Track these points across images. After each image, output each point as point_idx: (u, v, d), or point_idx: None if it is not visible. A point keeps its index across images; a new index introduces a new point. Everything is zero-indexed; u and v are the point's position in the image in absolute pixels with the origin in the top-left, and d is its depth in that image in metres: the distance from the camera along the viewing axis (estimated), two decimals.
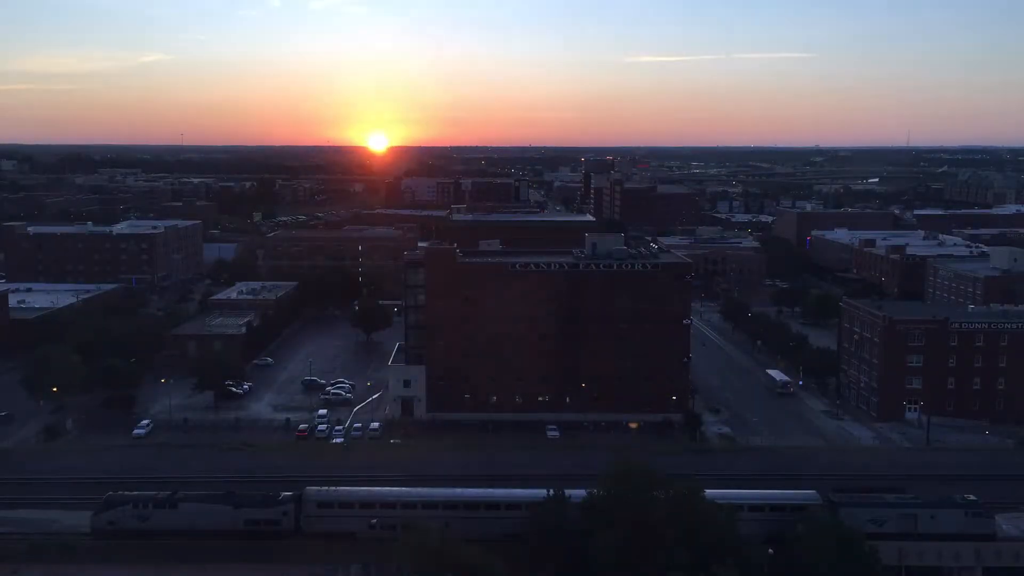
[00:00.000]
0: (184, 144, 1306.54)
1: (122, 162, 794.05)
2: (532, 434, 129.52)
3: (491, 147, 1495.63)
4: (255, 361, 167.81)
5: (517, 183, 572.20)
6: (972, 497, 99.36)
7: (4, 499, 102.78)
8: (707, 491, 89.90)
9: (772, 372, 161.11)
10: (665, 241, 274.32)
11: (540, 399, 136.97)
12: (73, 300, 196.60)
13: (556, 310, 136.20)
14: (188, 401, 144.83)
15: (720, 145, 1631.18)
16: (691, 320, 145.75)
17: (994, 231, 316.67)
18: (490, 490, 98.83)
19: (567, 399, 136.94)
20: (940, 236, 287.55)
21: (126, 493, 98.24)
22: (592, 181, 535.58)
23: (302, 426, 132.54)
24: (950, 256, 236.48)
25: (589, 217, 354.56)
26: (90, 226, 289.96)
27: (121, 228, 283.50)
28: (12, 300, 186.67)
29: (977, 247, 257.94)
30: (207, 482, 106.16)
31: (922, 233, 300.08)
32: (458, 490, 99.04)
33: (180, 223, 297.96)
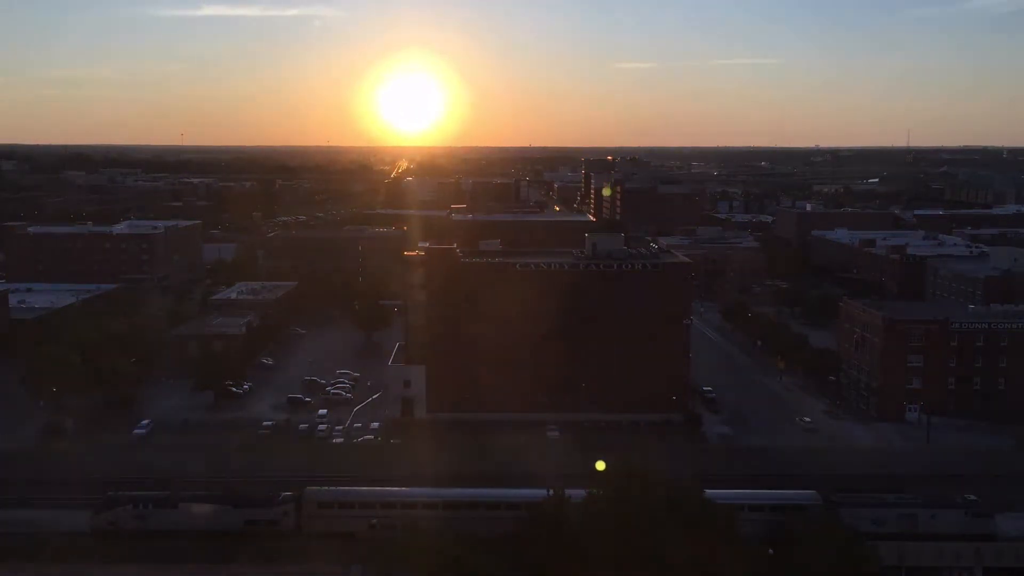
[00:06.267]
0: (184, 144, 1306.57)
1: (122, 162, 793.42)
2: (532, 434, 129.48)
3: (491, 147, 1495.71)
4: (257, 360, 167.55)
5: (518, 182, 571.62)
6: (972, 497, 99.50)
7: (4, 499, 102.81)
8: (707, 491, 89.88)
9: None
10: (665, 241, 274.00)
11: (540, 399, 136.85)
12: (73, 300, 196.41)
13: (556, 310, 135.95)
14: (188, 401, 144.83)
15: (720, 145, 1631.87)
16: (691, 320, 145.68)
17: (994, 231, 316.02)
18: (490, 490, 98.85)
19: (567, 399, 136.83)
20: (940, 236, 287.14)
21: (126, 493, 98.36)
22: (592, 181, 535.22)
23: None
24: (950, 256, 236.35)
25: (589, 217, 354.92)
26: (90, 226, 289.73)
27: (121, 228, 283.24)
28: (12, 300, 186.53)
29: (977, 247, 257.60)
30: (207, 482, 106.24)
31: (922, 233, 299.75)
32: (458, 490, 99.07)
33: (180, 223, 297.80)
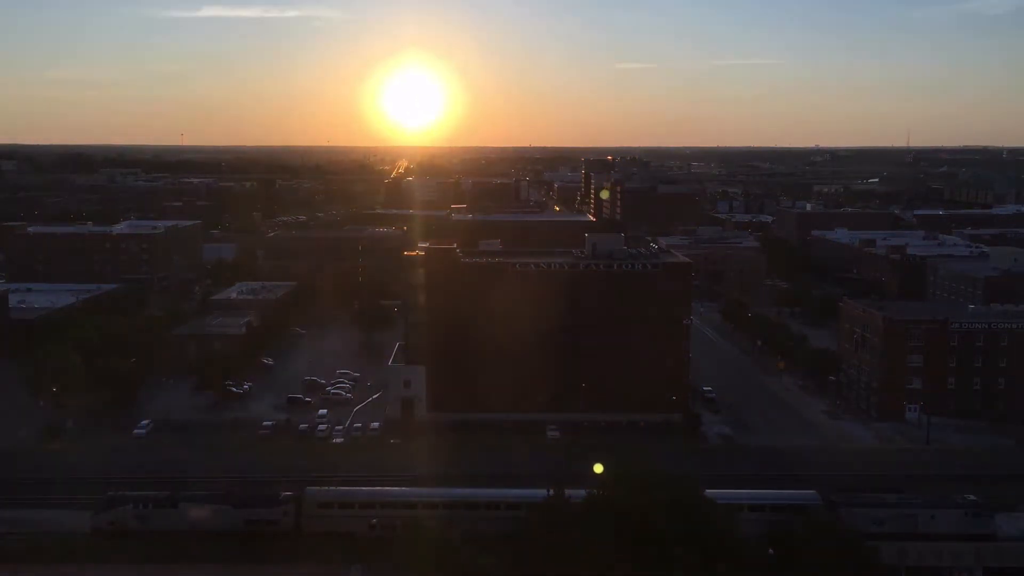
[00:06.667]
0: (184, 144, 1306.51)
1: (122, 162, 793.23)
2: (532, 434, 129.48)
3: (491, 147, 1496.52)
4: (257, 360, 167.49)
5: (518, 182, 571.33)
6: (972, 497, 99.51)
7: (4, 499, 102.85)
8: (707, 491, 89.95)
9: None
10: (665, 241, 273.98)
11: (540, 399, 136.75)
12: (73, 300, 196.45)
13: (556, 310, 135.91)
14: (188, 401, 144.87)
15: (720, 145, 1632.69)
16: (691, 320, 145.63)
17: (994, 231, 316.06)
18: (490, 490, 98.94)
19: (567, 399, 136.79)
20: (940, 236, 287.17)
21: (126, 493, 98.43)
22: (592, 181, 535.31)
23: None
24: (950, 256, 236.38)
25: (589, 217, 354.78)
26: (90, 226, 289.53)
27: (121, 228, 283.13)
28: (12, 300, 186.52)
29: (977, 247, 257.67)
30: (207, 482, 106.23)
31: (922, 233, 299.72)
32: (458, 490, 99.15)
33: (180, 223, 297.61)
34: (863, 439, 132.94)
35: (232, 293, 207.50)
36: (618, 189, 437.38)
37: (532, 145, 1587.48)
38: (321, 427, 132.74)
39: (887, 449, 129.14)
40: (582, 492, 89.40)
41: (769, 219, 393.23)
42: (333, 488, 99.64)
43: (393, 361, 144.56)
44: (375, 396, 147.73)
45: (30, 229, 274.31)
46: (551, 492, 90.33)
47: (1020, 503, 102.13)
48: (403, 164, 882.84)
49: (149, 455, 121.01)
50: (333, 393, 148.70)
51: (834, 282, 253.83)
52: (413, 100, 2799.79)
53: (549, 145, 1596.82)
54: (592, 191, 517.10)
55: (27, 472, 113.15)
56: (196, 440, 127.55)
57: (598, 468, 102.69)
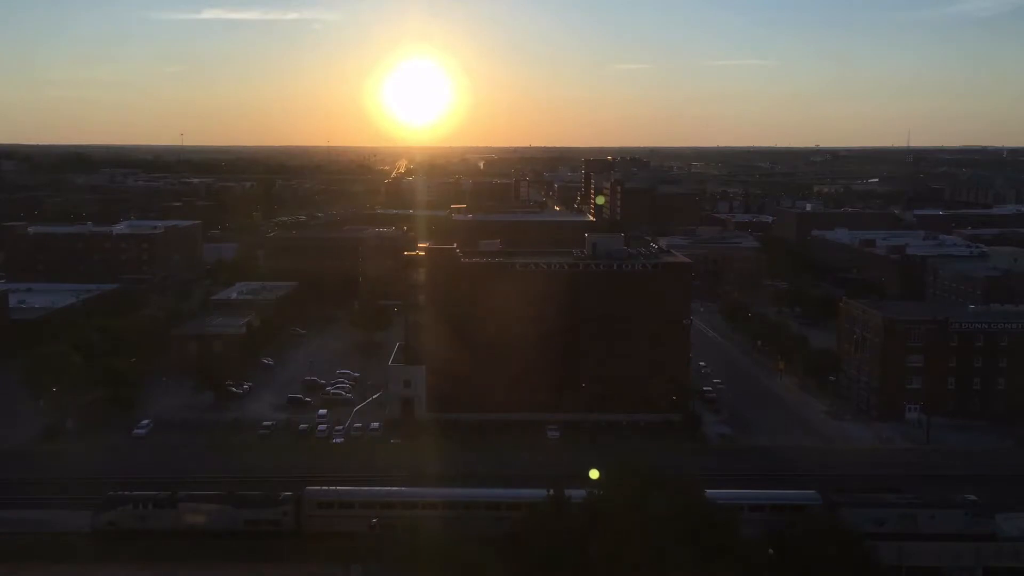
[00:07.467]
0: (184, 145, 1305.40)
1: (122, 162, 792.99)
2: (532, 434, 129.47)
3: (491, 147, 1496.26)
4: (257, 360, 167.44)
5: (518, 182, 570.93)
6: (972, 497, 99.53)
7: (4, 499, 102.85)
8: (707, 491, 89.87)
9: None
10: (665, 241, 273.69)
11: (540, 399, 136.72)
12: (73, 300, 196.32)
13: (556, 310, 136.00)
14: (188, 401, 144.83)
15: (720, 145, 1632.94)
16: (691, 320, 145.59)
17: (994, 231, 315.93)
18: (490, 490, 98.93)
19: (567, 399, 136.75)
20: (940, 236, 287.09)
21: (126, 493, 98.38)
22: (592, 181, 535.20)
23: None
24: (950, 256, 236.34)
25: (589, 217, 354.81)
26: (90, 226, 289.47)
27: (121, 228, 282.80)
28: (12, 300, 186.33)
29: (977, 247, 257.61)
30: (207, 482, 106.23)
31: (922, 233, 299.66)
32: (458, 490, 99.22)
33: (180, 223, 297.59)
34: (863, 439, 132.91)
35: (232, 293, 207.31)
36: (618, 189, 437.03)
37: (532, 145, 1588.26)
38: (321, 427, 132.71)
39: (887, 449, 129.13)
40: (582, 492, 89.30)
41: (769, 219, 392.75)
42: (333, 488, 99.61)
43: (393, 361, 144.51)
44: (375, 396, 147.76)
45: (30, 229, 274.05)
46: (551, 492, 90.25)
47: (1020, 503, 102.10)
48: (403, 164, 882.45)
49: (149, 455, 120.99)
50: (333, 393, 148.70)
51: (834, 282, 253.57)
52: (413, 101, 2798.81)
53: (549, 145, 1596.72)
54: (592, 191, 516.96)
55: (27, 472, 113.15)
56: (196, 440, 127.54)
57: (594, 474, 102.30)
